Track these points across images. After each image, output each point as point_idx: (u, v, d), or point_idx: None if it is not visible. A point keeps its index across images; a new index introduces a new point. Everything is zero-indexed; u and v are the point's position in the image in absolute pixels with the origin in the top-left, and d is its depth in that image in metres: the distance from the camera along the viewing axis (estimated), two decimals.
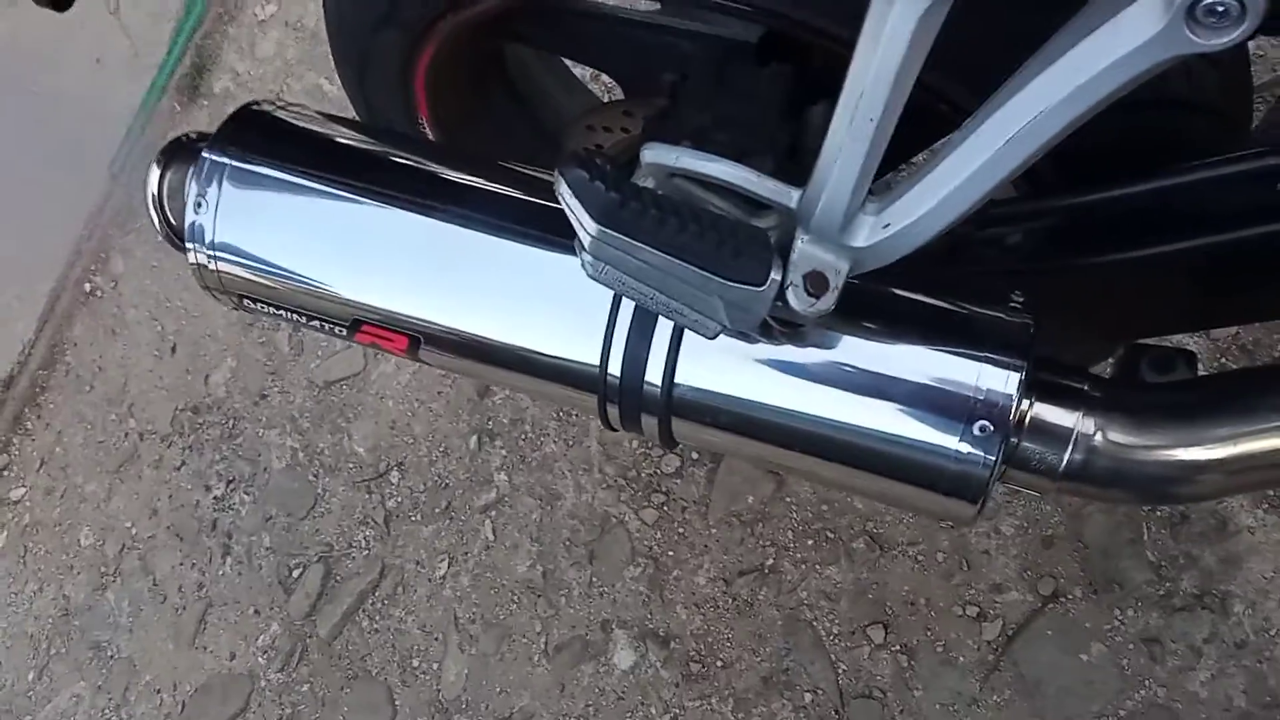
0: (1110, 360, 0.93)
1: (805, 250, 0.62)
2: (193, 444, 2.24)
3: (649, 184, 0.67)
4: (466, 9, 0.97)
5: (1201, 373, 0.76)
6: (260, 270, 0.82)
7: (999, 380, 0.66)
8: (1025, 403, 0.68)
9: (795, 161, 0.95)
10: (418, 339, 0.80)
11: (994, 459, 0.67)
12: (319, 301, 0.81)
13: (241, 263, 0.82)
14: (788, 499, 1.62)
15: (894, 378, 0.69)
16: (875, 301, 0.70)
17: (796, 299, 0.62)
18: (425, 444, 1.97)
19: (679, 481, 1.70)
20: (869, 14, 0.57)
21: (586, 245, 0.59)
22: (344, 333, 0.83)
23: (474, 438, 1.91)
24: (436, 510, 1.90)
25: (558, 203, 0.74)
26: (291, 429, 2.13)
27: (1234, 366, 1.38)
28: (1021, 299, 0.71)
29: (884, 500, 0.76)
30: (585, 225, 0.58)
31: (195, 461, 2.22)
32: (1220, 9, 0.50)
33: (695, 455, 1.71)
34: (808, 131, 0.96)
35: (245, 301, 0.85)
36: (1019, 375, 0.66)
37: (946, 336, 0.68)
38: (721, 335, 0.63)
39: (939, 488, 0.71)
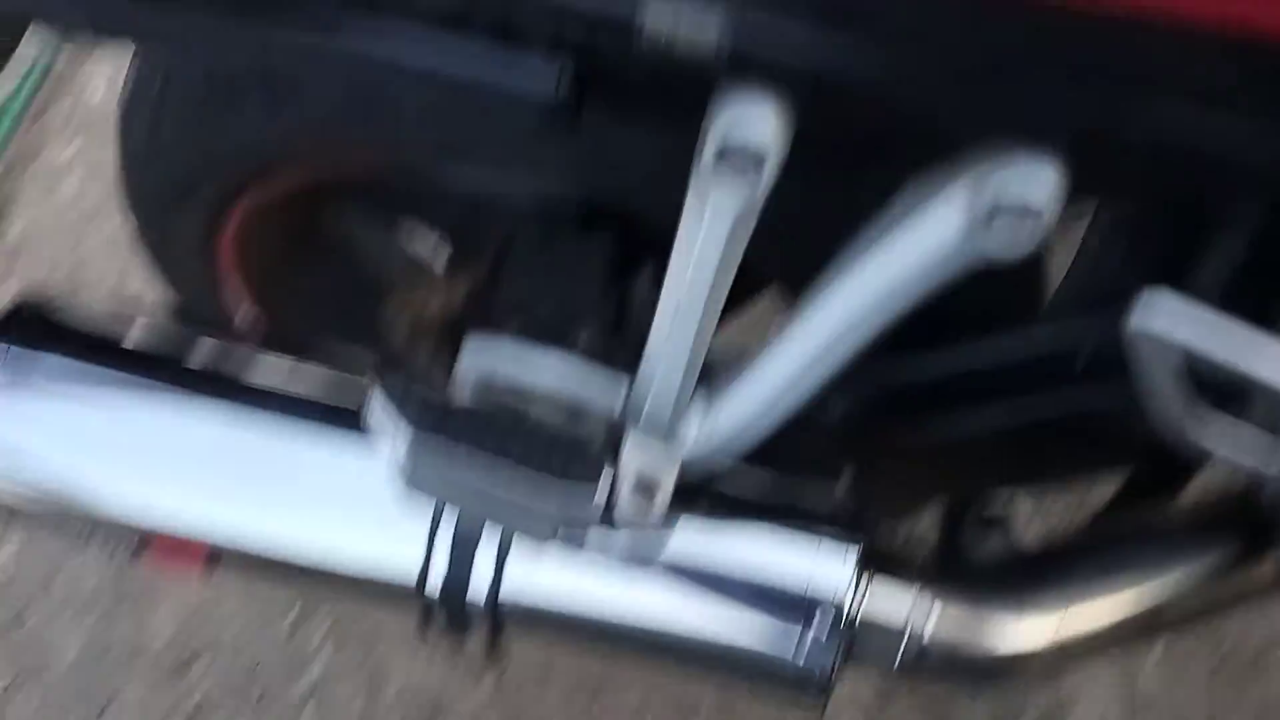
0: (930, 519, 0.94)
1: (635, 450, 0.60)
2: None
3: (473, 377, 0.63)
4: (272, 183, 0.93)
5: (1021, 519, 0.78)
6: (29, 477, 0.73)
7: (833, 582, 0.65)
8: (859, 601, 0.67)
9: (619, 335, 0.94)
10: (216, 554, 0.73)
11: (831, 660, 0.66)
12: (101, 517, 0.73)
13: (9, 472, 0.73)
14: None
15: (727, 581, 0.66)
16: (707, 500, 0.68)
17: (628, 502, 0.59)
18: (234, 626, 1.81)
19: (516, 647, 1.62)
20: (684, 216, 0.56)
21: (406, 454, 0.55)
22: (130, 550, 0.74)
23: (289, 617, 1.77)
24: (249, 702, 1.73)
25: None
26: (85, 613, 1.92)
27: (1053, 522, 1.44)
28: (853, 478, 0.70)
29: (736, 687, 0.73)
30: (402, 432, 0.54)
31: None
32: (1017, 214, 0.51)
33: None
34: (632, 304, 0.95)
35: (17, 516, 0.75)
36: (853, 577, 0.65)
37: (780, 538, 0.67)
38: (552, 539, 0.60)
39: (780, 685, 0.68)
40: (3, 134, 2.40)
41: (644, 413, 0.59)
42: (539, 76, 0.53)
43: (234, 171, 0.91)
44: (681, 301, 0.56)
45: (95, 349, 0.76)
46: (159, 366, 0.74)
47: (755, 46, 0.49)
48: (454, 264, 1.05)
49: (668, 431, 0.60)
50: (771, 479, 0.70)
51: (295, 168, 0.91)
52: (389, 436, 0.55)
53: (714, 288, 0.56)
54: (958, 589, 0.68)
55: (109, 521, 0.73)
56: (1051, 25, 0.44)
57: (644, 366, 0.59)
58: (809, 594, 0.65)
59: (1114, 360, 0.65)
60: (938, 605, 0.67)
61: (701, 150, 0.54)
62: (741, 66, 0.51)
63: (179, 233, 1.01)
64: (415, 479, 0.56)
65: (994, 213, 0.50)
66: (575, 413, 0.63)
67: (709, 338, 0.58)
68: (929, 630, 0.67)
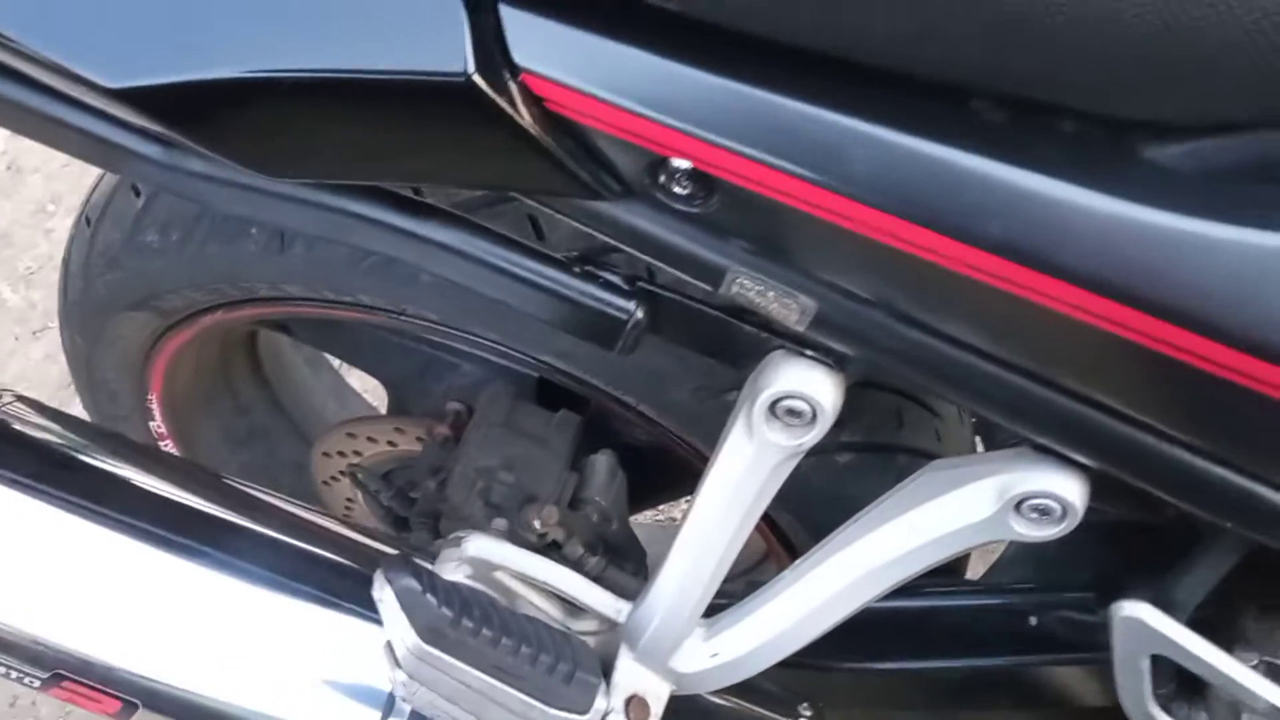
0: None
1: (629, 671, 0.59)
2: None
3: (464, 572, 0.62)
4: (239, 309, 0.90)
5: None
6: None
7: None
8: None
9: (574, 510, 0.94)
10: (134, 703, 0.67)
11: None
12: (15, 644, 0.67)
13: None
14: None
15: None
16: (681, 709, 0.67)
17: None
18: None
19: None
20: (721, 451, 0.58)
21: (403, 662, 0.53)
22: (37, 684, 0.68)
23: None
24: None
25: (344, 558, 0.68)
26: None
27: None
28: (809, 714, 0.71)
29: None
30: (406, 641, 0.52)
31: None
32: (1043, 508, 0.55)
33: None
34: (589, 484, 0.95)
35: None
36: None
37: None
38: None
39: None
40: None
41: (645, 637, 0.59)
42: (619, 300, 0.55)
43: (205, 296, 0.88)
44: (707, 533, 0.57)
45: (37, 457, 0.70)
46: (119, 494, 0.70)
47: (830, 331, 0.52)
48: (394, 412, 1.03)
49: (665, 658, 0.60)
50: (736, 709, 0.70)
51: (266, 306, 0.89)
52: (390, 635, 0.53)
53: (741, 525, 0.58)
54: None
55: (23, 648, 0.66)
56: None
57: (651, 595, 0.60)
58: None
59: (1071, 634, 0.69)
60: None
61: (753, 394, 0.56)
62: (806, 342, 0.54)
63: (121, 337, 0.96)
64: (408, 688, 0.53)
65: (1025, 502, 0.54)
66: (569, 613, 0.62)
67: (724, 575, 0.59)
68: None
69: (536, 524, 0.85)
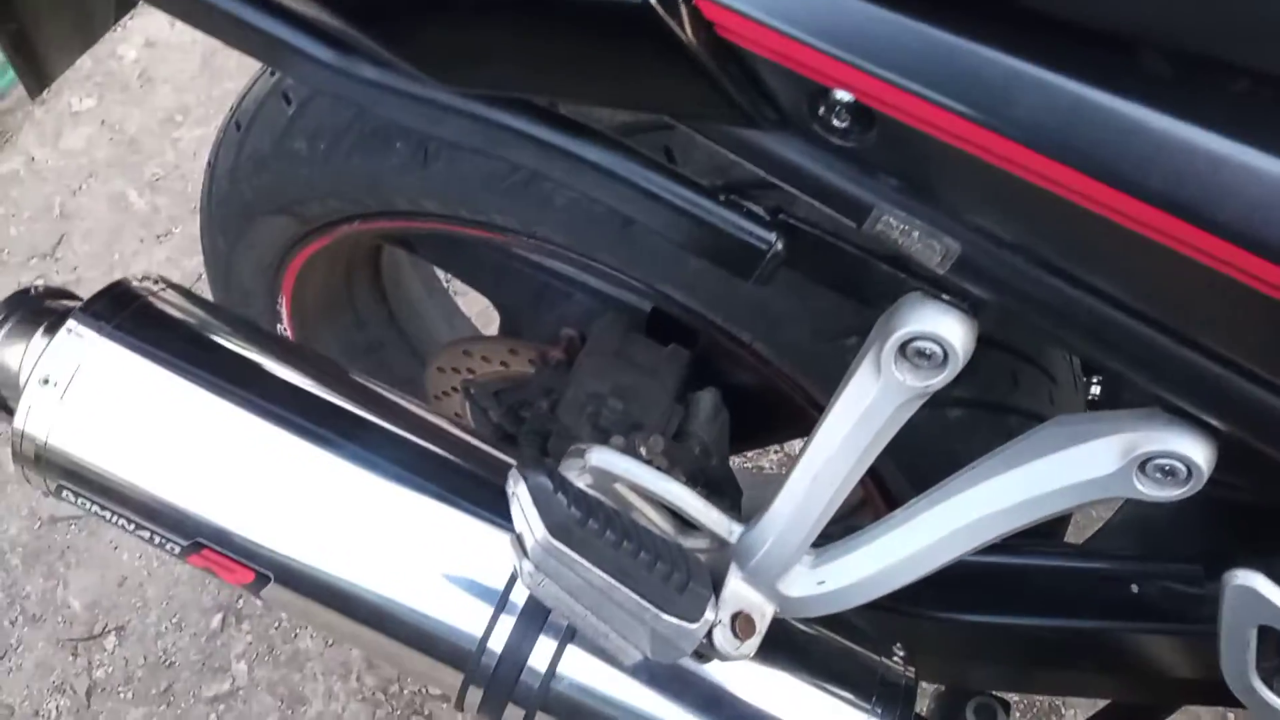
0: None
1: (737, 589, 0.62)
2: None
3: (585, 480, 0.65)
4: (374, 221, 0.94)
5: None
6: (99, 462, 0.71)
7: None
8: None
9: (678, 442, 0.96)
10: (266, 575, 0.72)
11: None
12: (159, 510, 0.72)
13: (80, 449, 0.71)
14: None
15: (784, 713, 0.68)
16: (779, 635, 0.69)
17: (723, 639, 0.61)
18: (157, 611, 1.76)
19: (445, 706, 1.60)
20: (846, 387, 0.59)
21: (531, 554, 0.56)
22: (177, 550, 0.73)
23: (218, 615, 1.73)
24: (154, 691, 1.67)
25: (465, 461, 0.71)
26: None
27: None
28: (903, 653, 0.73)
29: None
30: (536, 534, 0.55)
31: None
32: (1168, 469, 0.55)
33: None
34: (693, 419, 0.97)
35: (66, 491, 0.73)
36: None
37: (838, 685, 0.69)
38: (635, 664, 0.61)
39: None
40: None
41: (756, 559, 0.61)
42: (760, 230, 0.56)
43: (344, 205, 0.92)
44: (826, 466, 0.59)
45: (189, 344, 0.75)
46: (249, 374, 0.74)
47: (970, 275, 0.53)
48: (515, 341, 1.06)
49: (774, 578, 0.62)
50: (831, 639, 0.72)
51: (400, 220, 0.92)
52: (520, 528, 0.56)
53: (859, 461, 0.59)
54: None
55: (169, 516, 0.71)
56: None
57: (765, 519, 0.62)
58: None
59: (1172, 604, 0.69)
60: None
61: (884, 333, 0.57)
62: (943, 285, 0.55)
63: (259, 242, 1.01)
64: (534, 578, 0.57)
65: (1151, 461, 0.54)
66: (679, 529, 0.65)
67: (838, 505, 0.61)
68: None
69: (643, 451, 0.88)
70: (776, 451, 1.80)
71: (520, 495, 0.56)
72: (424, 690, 1.62)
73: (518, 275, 1.07)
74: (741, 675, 0.69)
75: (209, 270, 1.11)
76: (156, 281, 0.79)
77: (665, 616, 0.58)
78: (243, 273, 1.07)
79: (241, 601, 1.73)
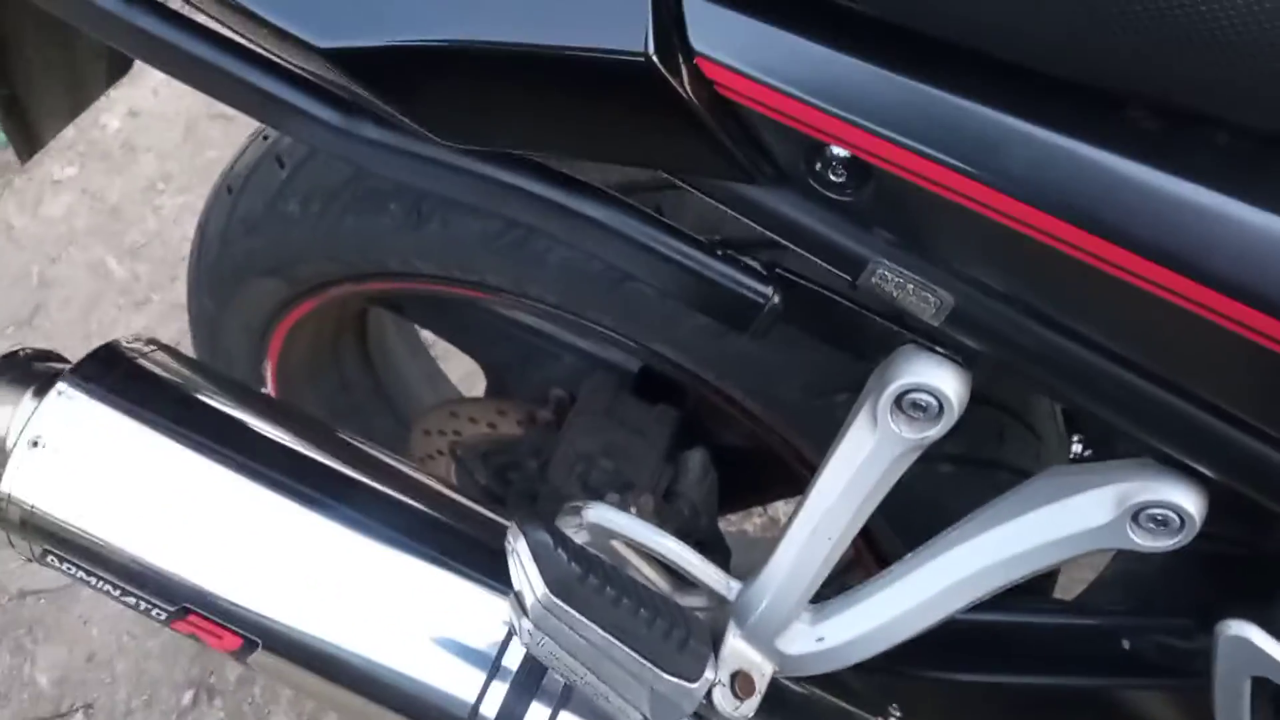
0: None
1: (736, 647, 0.61)
2: None
3: (582, 537, 0.64)
4: (365, 283, 0.94)
5: None
6: (87, 527, 0.70)
7: None
8: None
9: (668, 502, 0.96)
10: (254, 641, 0.71)
11: None
12: (146, 576, 0.71)
13: (68, 514, 0.70)
14: None
15: None
16: (775, 696, 0.68)
17: (723, 699, 0.60)
18: (126, 687, 1.71)
19: None
20: (842, 440, 0.60)
21: (531, 611, 0.55)
22: (164, 616, 0.72)
23: (189, 691, 1.68)
24: None
25: (457, 522, 0.71)
26: None
27: None
28: (899, 714, 0.72)
29: None
30: (536, 591, 0.55)
31: None
32: (1162, 519, 0.56)
33: None
34: (682, 478, 0.97)
35: (51, 556, 0.72)
36: None
37: None
38: None
39: None
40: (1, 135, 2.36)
41: (754, 616, 0.61)
42: (757, 284, 0.57)
43: (336, 268, 0.92)
44: (823, 519, 0.59)
45: (180, 406, 0.74)
46: (243, 437, 0.74)
47: (964, 328, 0.54)
48: (503, 402, 1.07)
49: (772, 635, 0.61)
50: (827, 701, 0.71)
51: (392, 281, 0.93)
52: (519, 585, 0.56)
53: (856, 514, 0.59)
54: None
55: (156, 582, 0.70)
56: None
57: (763, 575, 0.61)
58: None
59: (1165, 658, 0.69)
60: None
61: (880, 386, 0.57)
62: (937, 337, 0.56)
63: (248, 304, 1.01)
64: (533, 637, 0.56)
65: (1144, 511, 0.55)
66: (676, 587, 0.64)
67: (836, 559, 0.61)
68: None
69: (633, 510, 0.88)
70: (760, 515, 1.80)
71: (520, 551, 0.55)
72: None
73: (506, 336, 1.08)
74: None
75: (195, 332, 1.11)
76: (147, 343, 0.78)
77: (665, 676, 0.58)
78: (229, 335, 1.06)
79: (214, 677, 1.69)
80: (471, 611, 0.70)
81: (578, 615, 0.55)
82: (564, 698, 0.68)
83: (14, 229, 2.32)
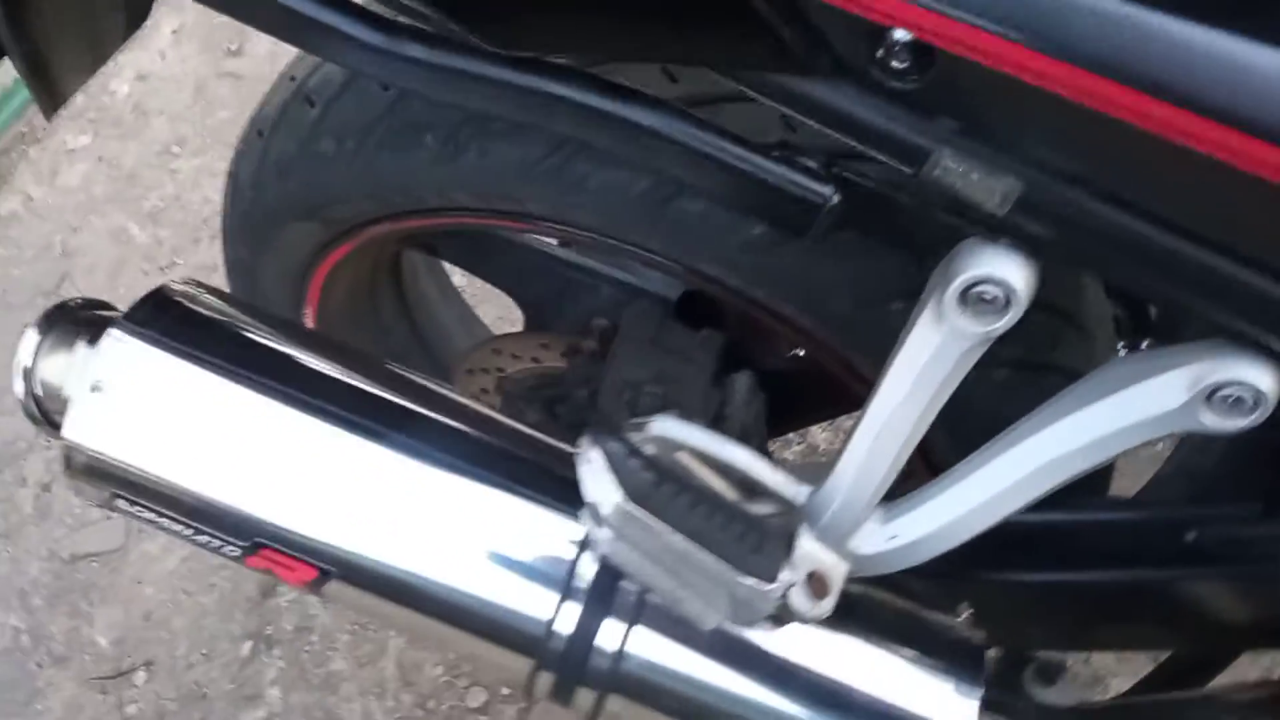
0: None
1: (809, 549, 0.61)
2: None
3: (649, 450, 0.64)
4: (401, 221, 0.94)
5: None
6: (153, 468, 0.71)
7: (959, 707, 0.67)
8: None
9: (718, 429, 0.96)
10: (328, 571, 0.72)
11: None
12: (216, 513, 0.71)
13: (134, 456, 0.71)
14: None
15: (857, 688, 0.68)
16: (846, 602, 0.69)
17: (800, 599, 0.61)
18: (185, 642, 1.74)
19: (484, 718, 1.58)
20: (907, 339, 0.59)
21: (609, 520, 0.56)
22: (236, 553, 0.73)
23: (248, 643, 1.71)
24: None
25: (516, 447, 0.71)
26: (18, 604, 1.82)
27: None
28: (968, 613, 0.73)
29: None
30: (613, 500, 0.55)
31: None
32: (1235, 399, 0.55)
33: (506, 691, 1.60)
34: (730, 402, 0.97)
35: (120, 500, 0.73)
36: (977, 704, 0.67)
37: (912, 651, 0.69)
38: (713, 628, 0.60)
39: None
40: (15, 105, 2.34)
41: (826, 518, 0.61)
42: (815, 185, 0.56)
43: (373, 206, 0.92)
44: (891, 419, 0.59)
45: (236, 345, 0.75)
46: (299, 371, 0.74)
47: (1030, 214, 0.53)
48: (546, 335, 1.07)
49: (845, 536, 0.62)
50: (899, 604, 0.72)
51: (429, 217, 0.92)
52: (595, 495, 0.56)
53: (925, 413, 0.59)
54: None
55: (226, 519, 0.71)
56: None
57: (833, 477, 0.62)
58: (936, 716, 0.66)
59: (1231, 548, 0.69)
60: None
61: (944, 280, 0.57)
62: (1002, 227, 0.55)
63: (285, 249, 1.01)
64: (611, 545, 0.56)
65: (1218, 392, 0.54)
66: (745, 497, 0.64)
67: (905, 461, 0.61)
68: None
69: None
70: (798, 443, 1.81)
71: (595, 461, 0.55)
72: (462, 704, 1.61)
73: (543, 270, 1.08)
74: (810, 643, 0.69)
75: (232, 282, 1.11)
76: (195, 285, 0.79)
77: (743, 578, 0.58)
78: (267, 282, 1.06)
79: (270, 628, 1.72)
80: (539, 532, 0.70)
81: (656, 521, 0.56)
82: (637, 612, 0.68)
83: (33, 200, 2.31)
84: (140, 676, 1.72)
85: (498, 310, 1.63)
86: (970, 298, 0.56)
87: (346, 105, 0.87)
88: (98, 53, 1.03)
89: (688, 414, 0.91)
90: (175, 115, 2.39)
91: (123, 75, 2.46)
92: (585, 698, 0.71)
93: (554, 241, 1.06)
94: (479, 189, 0.85)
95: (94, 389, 0.70)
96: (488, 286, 1.20)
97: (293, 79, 0.92)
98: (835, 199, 0.56)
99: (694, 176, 0.58)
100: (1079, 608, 0.84)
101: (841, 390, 0.96)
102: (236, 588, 1.76)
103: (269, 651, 1.69)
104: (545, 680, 0.72)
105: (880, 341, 0.79)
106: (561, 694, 0.71)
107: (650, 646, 0.69)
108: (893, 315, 0.78)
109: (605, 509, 0.56)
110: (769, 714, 0.69)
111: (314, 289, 1.06)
